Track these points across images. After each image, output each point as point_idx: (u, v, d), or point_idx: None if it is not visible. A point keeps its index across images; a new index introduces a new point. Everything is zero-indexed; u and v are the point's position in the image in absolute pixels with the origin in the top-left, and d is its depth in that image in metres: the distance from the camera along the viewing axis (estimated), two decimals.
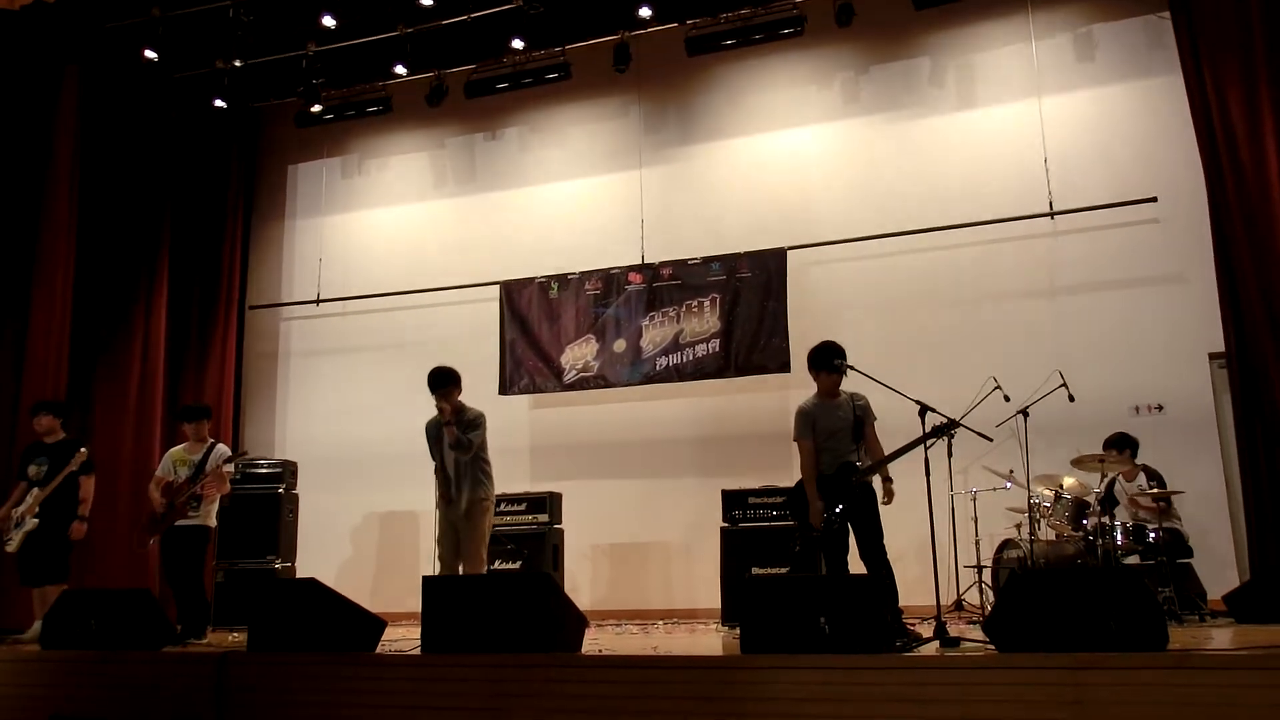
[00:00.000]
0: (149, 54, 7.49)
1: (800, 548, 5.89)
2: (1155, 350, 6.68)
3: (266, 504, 7.34)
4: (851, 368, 4.81)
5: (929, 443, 4.43)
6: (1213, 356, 6.54)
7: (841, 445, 4.76)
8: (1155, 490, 5.77)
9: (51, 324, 7.02)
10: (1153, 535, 5.62)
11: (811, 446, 4.79)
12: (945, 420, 4.41)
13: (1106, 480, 5.83)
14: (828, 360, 4.81)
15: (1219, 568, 6.10)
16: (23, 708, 3.83)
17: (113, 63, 7.73)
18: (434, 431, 5.50)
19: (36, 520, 5.61)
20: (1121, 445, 5.97)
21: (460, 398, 5.45)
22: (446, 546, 5.36)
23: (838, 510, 4.63)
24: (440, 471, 5.43)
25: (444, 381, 5.35)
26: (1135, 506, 5.86)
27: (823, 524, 4.64)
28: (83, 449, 5.79)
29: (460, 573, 5.27)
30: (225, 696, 3.60)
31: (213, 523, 5.82)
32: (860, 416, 4.79)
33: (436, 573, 5.26)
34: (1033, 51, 7.32)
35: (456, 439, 5.26)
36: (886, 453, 4.65)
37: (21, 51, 7.17)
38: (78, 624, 4.13)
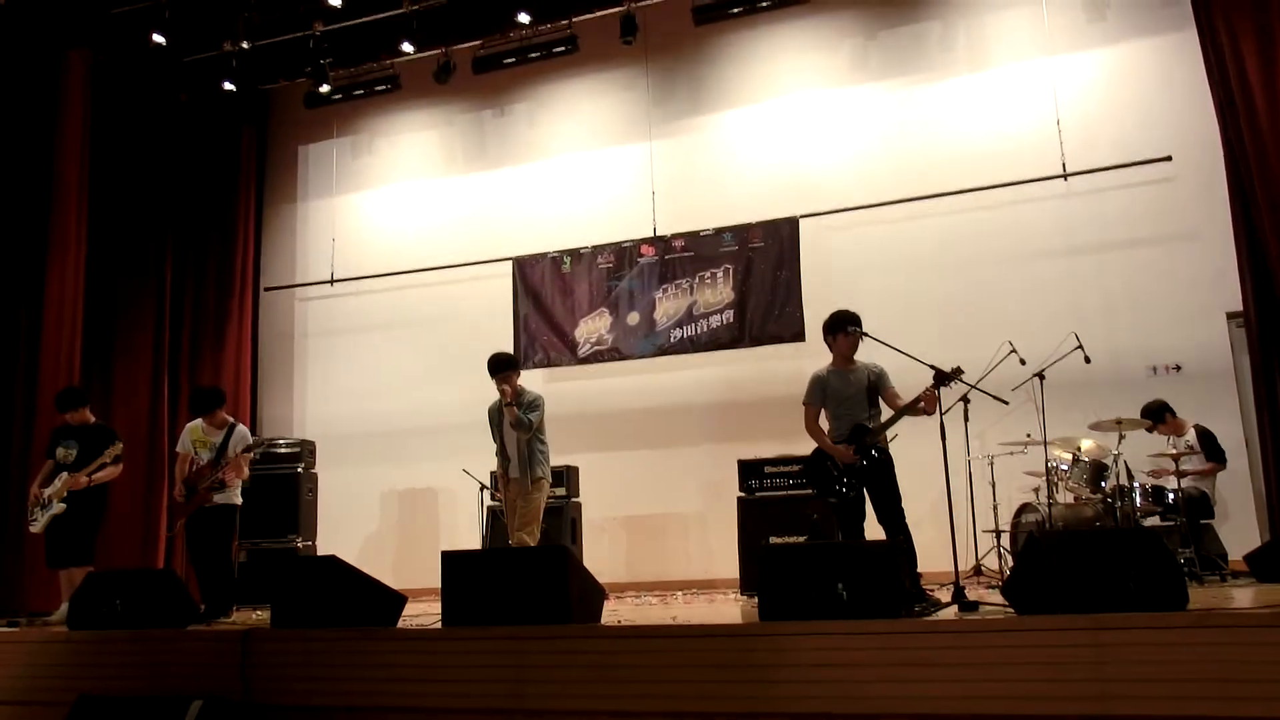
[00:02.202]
0: (157, 38, 7.47)
1: (818, 515, 5.91)
2: (1172, 310, 6.60)
3: (286, 483, 7.41)
4: (865, 334, 4.78)
5: (936, 390, 4.38)
6: (1230, 315, 6.46)
7: (855, 412, 4.75)
8: (1180, 452, 5.68)
9: (64, 309, 7.07)
10: (1172, 496, 5.58)
11: (815, 412, 4.84)
12: (942, 371, 4.36)
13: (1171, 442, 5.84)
14: (841, 326, 4.80)
15: (1240, 528, 6.06)
16: (51, 688, 3.90)
17: (120, 47, 7.72)
18: (495, 416, 5.75)
19: (64, 505, 5.65)
20: (1158, 415, 5.91)
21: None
22: (512, 524, 5.61)
23: (861, 463, 4.61)
24: (501, 453, 5.71)
25: (504, 366, 5.66)
26: (1169, 466, 5.74)
27: (854, 461, 4.62)
28: (118, 442, 5.77)
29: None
30: (250, 672, 3.65)
31: (239, 500, 5.84)
32: (875, 383, 4.77)
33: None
34: (1043, 12, 7.18)
35: (518, 419, 5.50)
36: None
37: (30, 37, 7.17)
38: (104, 604, 4.17)
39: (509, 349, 7.90)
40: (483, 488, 6.62)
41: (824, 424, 4.91)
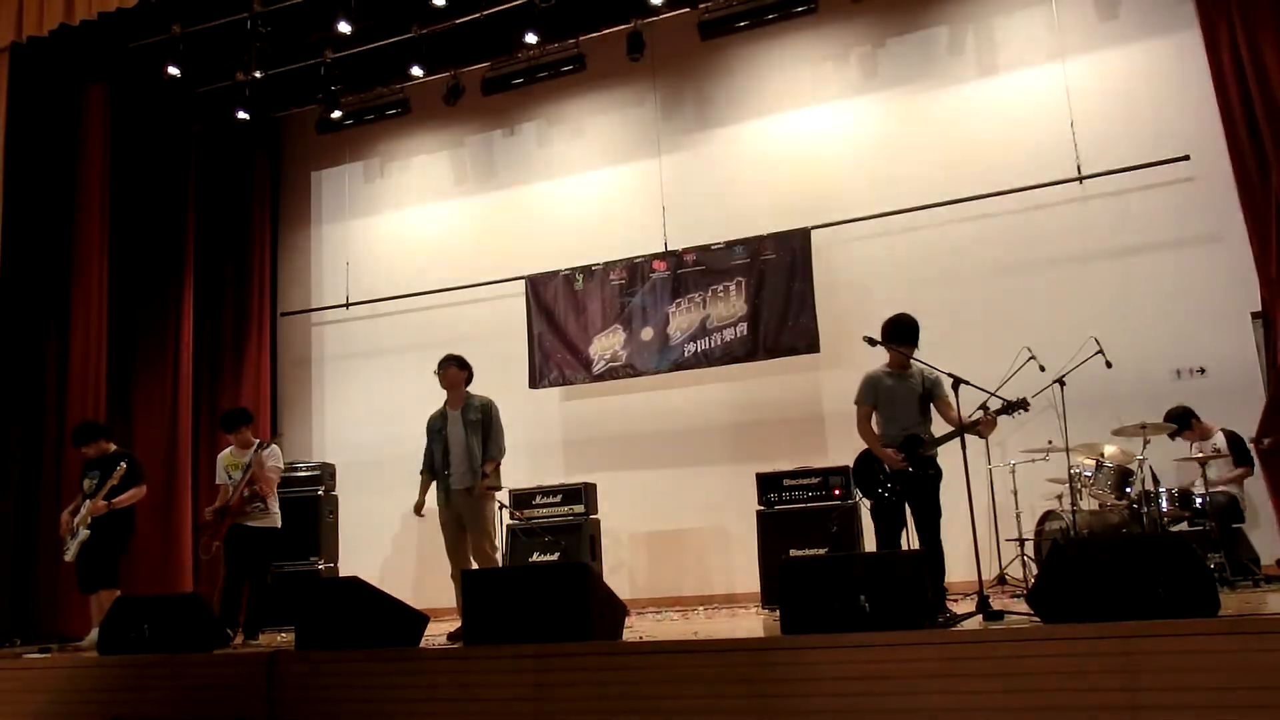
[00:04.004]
0: (172, 70, 7.60)
1: (838, 527, 5.87)
2: (1195, 312, 6.52)
3: (307, 506, 7.46)
4: (877, 342, 4.75)
5: (997, 415, 4.41)
6: (1255, 316, 6.36)
7: (906, 416, 4.70)
8: (1208, 456, 5.62)
9: (89, 338, 7.17)
10: (1200, 501, 5.50)
11: (867, 412, 4.78)
12: (1010, 401, 4.41)
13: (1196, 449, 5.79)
14: (883, 336, 4.76)
15: (1272, 532, 5.94)
16: (84, 712, 3.94)
17: (137, 81, 7.87)
18: (438, 423, 5.60)
19: (88, 531, 5.79)
20: (1186, 423, 5.83)
21: (470, 388, 5.59)
22: (451, 537, 5.43)
23: (909, 470, 4.58)
24: (441, 463, 5.48)
25: (444, 364, 5.57)
26: (1195, 471, 5.67)
27: (903, 467, 4.58)
28: (122, 463, 5.89)
29: (471, 563, 5.36)
30: (275, 694, 3.67)
31: (279, 523, 5.99)
32: (929, 390, 4.73)
33: (448, 567, 5.34)
34: (1053, 12, 7.16)
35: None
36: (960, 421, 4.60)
37: (51, 74, 7.34)
38: (132, 629, 4.22)
39: (524, 368, 7.96)
40: (502, 506, 6.62)
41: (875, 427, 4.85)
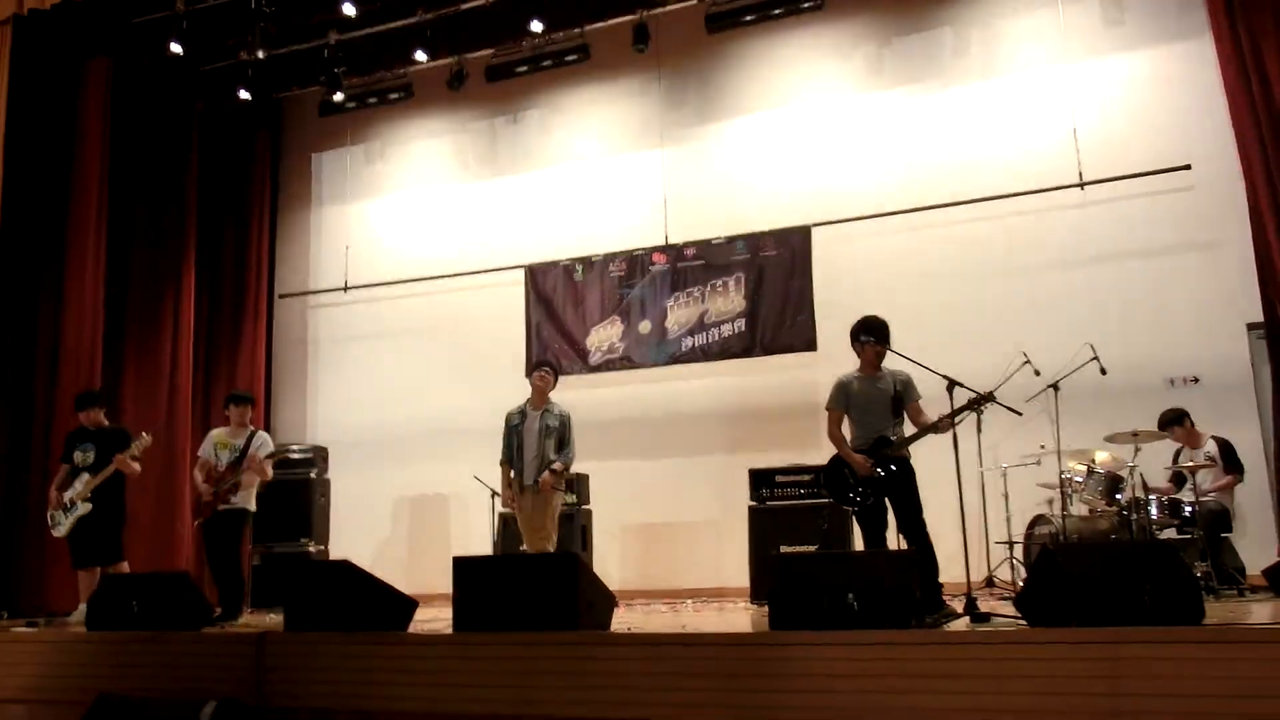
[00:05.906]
0: (174, 48, 7.56)
1: (829, 525, 5.89)
2: (1191, 321, 6.54)
3: (299, 488, 7.46)
4: (874, 341, 4.76)
5: (959, 418, 4.40)
6: (1251, 326, 6.39)
7: (877, 421, 4.71)
8: (1199, 465, 5.66)
9: (84, 314, 7.13)
10: (1189, 509, 5.53)
11: (838, 416, 4.81)
12: (978, 394, 4.39)
13: (1174, 453, 5.84)
14: (855, 335, 4.80)
15: (1259, 542, 5.98)
16: (71, 687, 3.95)
17: (139, 58, 7.82)
18: (515, 419, 5.85)
19: (90, 505, 5.73)
20: (1178, 421, 5.87)
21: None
22: (531, 532, 5.69)
23: (877, 474, 4.60)
24: (519, 460, 5.77)
25: (541, 368, 6.06)
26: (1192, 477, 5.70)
27: (871, 473, 4.60)
28: (146, 434, 5.82)
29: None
30: (263, 674, 3.68)
31: (252, 506, 5.97)
32: (900, 393, 4.74)
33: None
34: (1059, 16, 7.15)
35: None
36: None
37: (52, 48, 7.29)
38: (120, 606, 4.23)
39: (520, 357, 7.96)
40: (494, 494, 6.63)
41: (846, 432, 4.89)
